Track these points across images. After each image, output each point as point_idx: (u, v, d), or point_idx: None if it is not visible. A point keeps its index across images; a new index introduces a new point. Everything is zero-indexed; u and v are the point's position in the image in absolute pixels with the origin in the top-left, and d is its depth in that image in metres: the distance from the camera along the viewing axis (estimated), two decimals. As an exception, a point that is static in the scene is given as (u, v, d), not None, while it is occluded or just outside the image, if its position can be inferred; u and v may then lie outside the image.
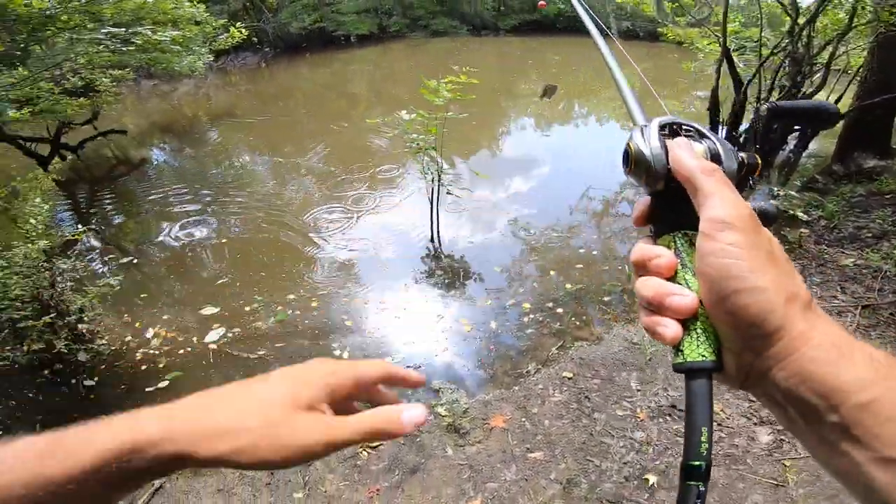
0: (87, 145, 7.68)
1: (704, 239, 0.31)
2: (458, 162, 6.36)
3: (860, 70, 5.38)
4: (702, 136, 0.36)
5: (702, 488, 0.29)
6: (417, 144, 3.88)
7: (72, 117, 6.81)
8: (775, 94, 5.30)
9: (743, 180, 0.35)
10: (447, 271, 4.21)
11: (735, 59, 5.52)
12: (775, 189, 4.86)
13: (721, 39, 5.37)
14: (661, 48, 12.18)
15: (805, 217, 4.30)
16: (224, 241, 5.13)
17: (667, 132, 0.36)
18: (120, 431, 0.28)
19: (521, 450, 2.31)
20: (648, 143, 0.35)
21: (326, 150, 7.51)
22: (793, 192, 4.79)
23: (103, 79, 7.39)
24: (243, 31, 7.75)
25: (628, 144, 0.36)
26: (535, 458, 2.27)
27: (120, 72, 7.49)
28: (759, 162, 0.35)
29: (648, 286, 0.33)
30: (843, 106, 5.34)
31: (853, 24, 4.80)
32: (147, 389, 3.25)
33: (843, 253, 3.73)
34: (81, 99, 7.14)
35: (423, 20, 21.41)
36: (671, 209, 0.35)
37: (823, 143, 6.23)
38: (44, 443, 0.27)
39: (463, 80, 3.60)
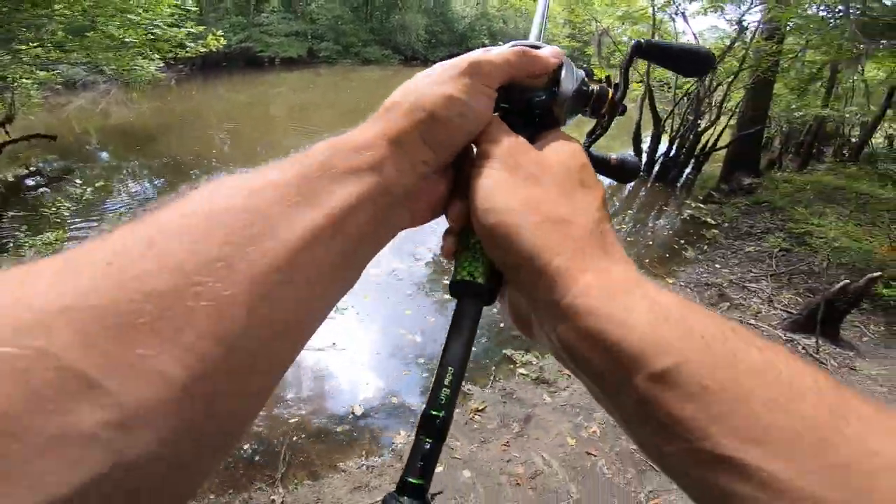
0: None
1: (469, 164, 0.30)
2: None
3: (738, 107, 7.01)
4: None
5: (431, 446, 0.24)
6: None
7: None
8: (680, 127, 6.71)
9: (596, 112, 0.34)
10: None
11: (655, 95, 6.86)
12: (688, 202, 6.11)
13: (645, 80, 6.68)
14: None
15: (713, 221, 5.50)
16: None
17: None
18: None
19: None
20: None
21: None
22: (700, 205, 6.06)
23: (24, 80, 6.65)
24: (221, 39, 7.36)
25: None
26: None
27: (46, 73, 6.77)
28: (611, 93, 0.34)
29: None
30: (724, 139, 6.89)
31: (742, 68, 6.28)
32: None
33: (745, 244, 4.89)
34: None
35: (354, 48, 21.94)
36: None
37: (712, 167, 7.80)
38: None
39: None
